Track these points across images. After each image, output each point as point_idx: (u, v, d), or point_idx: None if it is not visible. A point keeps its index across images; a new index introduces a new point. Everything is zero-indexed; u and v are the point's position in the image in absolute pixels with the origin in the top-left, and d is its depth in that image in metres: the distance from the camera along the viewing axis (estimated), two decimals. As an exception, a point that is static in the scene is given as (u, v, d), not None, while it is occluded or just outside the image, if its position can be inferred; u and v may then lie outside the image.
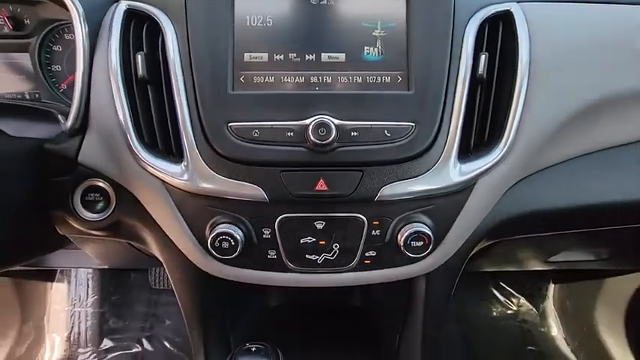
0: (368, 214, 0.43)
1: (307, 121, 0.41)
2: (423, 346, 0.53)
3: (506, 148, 0.43)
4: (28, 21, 0.56)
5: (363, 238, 0.44)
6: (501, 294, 1.36)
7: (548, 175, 0.48)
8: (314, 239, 0.44)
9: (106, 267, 0.71)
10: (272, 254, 0.44)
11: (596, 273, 1.13)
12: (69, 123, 0.46)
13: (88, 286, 1.23)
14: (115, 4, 0.46)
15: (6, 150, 0.43)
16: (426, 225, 0.43)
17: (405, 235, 0.42)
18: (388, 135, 0.41)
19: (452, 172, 0.42)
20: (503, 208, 0.48)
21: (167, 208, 0.44)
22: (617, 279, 1.09)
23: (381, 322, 0.62)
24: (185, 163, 0.42)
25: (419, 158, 0.42)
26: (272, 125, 0.41)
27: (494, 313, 1.33)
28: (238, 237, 0.42)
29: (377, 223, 0.43)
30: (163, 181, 0.43)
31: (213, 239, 0.42)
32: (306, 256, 0.44)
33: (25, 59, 0.58)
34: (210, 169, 0.42)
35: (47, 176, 0.47)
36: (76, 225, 0.48)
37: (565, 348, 1.23)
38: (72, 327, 1.20)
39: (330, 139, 0.40)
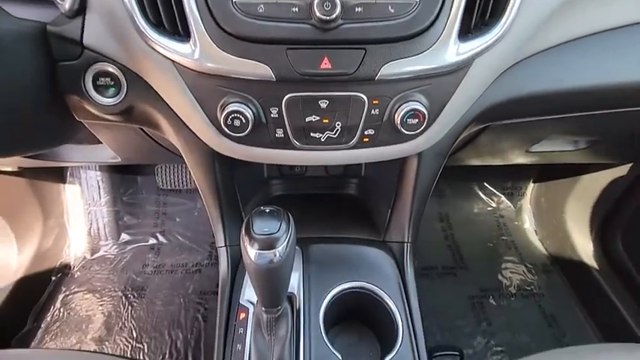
0: (368, 93, 0.46)
1: (312, -4, 0.40)
2: (410, 217, 0.61)
3: (505, 26, 0.44)
4: None
5: (363, 116, 0.47)
6: (484, 193, 1.49)
7: (540, 60, 0.50)
8: (318, 118, 0.47)
9: (118, 160, 0.76)
10: (280, 133, 0.48)
11: (574, 170, 1.22)
12: (67, 4, 0.45)
13: (99, 187, 1.30)
14: None
15: (13, 29, 0.43)
16: (422, 104, 0.46)
17: (402, 113, 0.46)
18: (392, 11, 0.42)
19: (451, 50, 0.44)
20: (495, 91, 0.50)
21: (179, 90, 0.46)
22: (591, 176, 1.19)
23: (375, 205, 0.71)
24: (193, 42, 0.43)
25: (420, 36, 0.43)
26: (277, 1, 0.41)
27: (476, 210, 1.47)
28: (249, 115, 0.45)
29: (376, 102, 0.46)
30: (173, 61, 0.44)
31: (226, 117, 0.45)
32: (311, 134, 0.48)
33: None
34: (218, 48, 0.43)
35: (56, 60, 0.47)
36: (91, 109, 0.51)
37: (534, 237, 1.40)
38: (91, 224, 1.31)
39: (335, 14, 0.40)
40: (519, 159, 0.81)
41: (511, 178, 1.44)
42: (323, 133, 0.49)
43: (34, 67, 0.47)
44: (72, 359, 0.58)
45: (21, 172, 1.08)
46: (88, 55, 0.48)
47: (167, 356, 1.06)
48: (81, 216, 1.31)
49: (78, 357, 0.59)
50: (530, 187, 1.43)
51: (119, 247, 1.31)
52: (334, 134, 0.49)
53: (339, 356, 0.51)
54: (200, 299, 1.18)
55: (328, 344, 0.52)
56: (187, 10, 0.42)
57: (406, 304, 0.56)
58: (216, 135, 0.49)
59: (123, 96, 0.50)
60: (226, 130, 0.46)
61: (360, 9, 0.41)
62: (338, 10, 0.40)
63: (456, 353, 0.90)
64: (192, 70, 0.44)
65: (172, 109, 0.50)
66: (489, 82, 0.49)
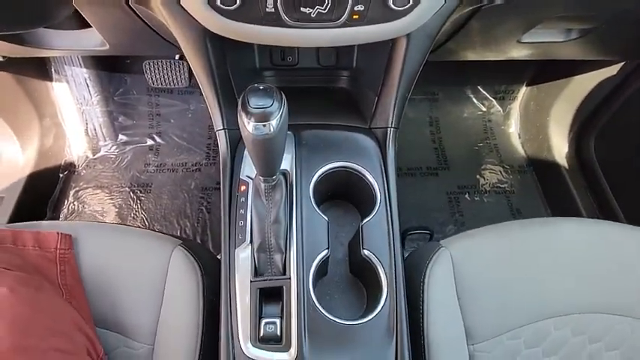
0: (359, -38, 0.45)
1: None
2: (395, 103, 0.64)
3: None
4: None
5: (353, -11, 0.47)
6: (476, 97, 1.50)
7: None
8: (308, -10, 0.47)
9: (107, 47, 0.74)
10: (269, 6, 0.48)
11: (566, 71, 1.22)
12: None
13: (88, 86, 1.29)
14: None
15: None
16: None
17: (393, -15, 0.46)
18: None
19: None
20: None
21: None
22: (581, 77, 1.20)
23: (364, 95, 0.73)
24: None
25: None
26: None
27: (465, 115, 1.51)
28: (239, -14, 0.45)
29: None
30: None
31: (214, -13, 0.45)
32: (301, 8, 0.48)
33: None
34: None
35: None
36: None
37: (516, 141, 1.46)
38: (87, 124, 1.33)
39: None
40: (511, 51, 0.81)
41: (505, 81, 1.44)
42: (313, 8, 0.49)
43: None
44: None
45: (4, 66, 1.05)
46: None
47: (178, 239, 1.19)
48: (75, 116, 1.32)
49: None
50: (523, 91, 1.45)
51: (119, 148, 1.35)
52: (324, 9, 0.49)
53: (326, 218, 0.60)
54: (203, 194, 1.28)
55: (316, 208, 0.60)
56: None
57: (384, 178, 0.63)
58: (205, 9, 0.49)
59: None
60: (216, 1, 0.46)
61: None
62: None
63: (427, 232, 1.04)
64: None
65: None
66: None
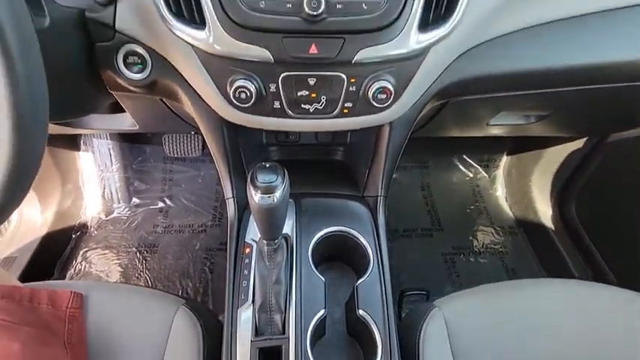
0: (347, 73, 0.58)
1: (302, -5, 0.52)
2: (383, 175, 0.75)
3: (455, 22, 0.55)
4: None
5: (343, 92, 0.59)
6: (463, 165, 1.63)
7: (487, 47, 0.62)
8: (307, 92, 0.59)
9: (137, 128, 0.87)
10: (277, 104, 0.61)
11: (540, 144, 1.36)
12: None
13: (110, 155, 1.42)
14: None
15: (59, 16, 0.54)
16: (390, 82, 0.58)
17: (373, 89, 0.58)
18: (365, 8, 0.53)
19: (412, 40, 0.55)
20: (450, 73, 0.63)
21: (196, 68, 0.58)
22: (553, 149, 1.33)
23: (356, 167, 0.84)
24: (208, 30, 0.54)
25: (388, 28, 0.54)
26: None
27: (455, 180, 1.62)
28: (252, 89, 0.57)
29: (354, 80, 0.58)
30: (192, 45, 0.56)
31: (234, 91, 0.57)
32: (302, 105, 0.61)
33: None
34: (228, 35, 0.54)
35: (93, 41, 0.59)
36: (121, 82, 0.62)
37: (504, 203, 1.56)
38: (104, 188, 1.44)
39: (320, 10, 0.51)
40: (485, 131, 0.94)
41: (487, 152, 1.58)
42: (311, 105, 0.61)
43: (77, 47, 0.58)
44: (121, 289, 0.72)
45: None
46: (119, 37, 0.59)
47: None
48: (95, 181, 1.43)
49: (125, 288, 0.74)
50: (504, 160, 1.58)
51: (131, 210, 1.44)
52: (320, 106, 0.61)
53: (323, 279, 0.66)
54: (206, 255, 1.34)
55: (314, 270, 0.67)
56: (203, 3, 0.53)
57: (376, 242, 0.70)
58: (225, 105, 0.61)
59: (148, 72, 0.61)
60: (234, 101, 0.59)
61: (340, 6, 0.53)
62: (322, 7, 0.51)
63: (424, 292, 1.08)
64: (207, 52, 0.56)
65: (190, 84, 0.62)
66: (445, 65, 0.61)
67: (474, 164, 1.61)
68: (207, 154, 1.45)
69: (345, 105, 0.61)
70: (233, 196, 0.75)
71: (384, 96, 0.59)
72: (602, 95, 0.74)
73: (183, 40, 0.56)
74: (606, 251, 1.16)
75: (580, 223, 1.23)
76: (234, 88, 0.57)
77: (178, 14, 0.55)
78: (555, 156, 1.32)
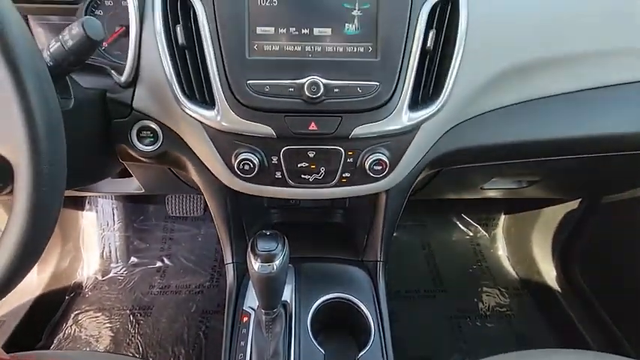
0: (345, 147, 0.62)
1: (303, 81, 0.57)
2: (382, 241, 0.76)
3: (442, 102, 0.61)
4: (74, -11, 0.68)
5: (341, 163, 0.63)
6: (462, 224, 1.64)
7: (476, 122, 0.67)
8: (307, 164, 0.63)
9: (142, 191, 0.91)
10: (278, 175, 0.64)
11: (536, 203, 1.39)
12: (123, 78, 0.62)
13: (113, 215, 1.44)
14: None
15: (82, 97, 0.59)
16: (384, 155, 0.62)
17: (369, 161, 0.62)
18: (360, 91, 0.59)
19: (403, 118, 0.60)
20: (441, 145, 0.67)
21: (204, 142, 0.62)
22: (550, 209, 1.35)
23: (355, 231, 0.86)
24: (217, 110, 0.59)
25: (381, 108, 0.59)
26: (278, 83, 0.58)
27: (455, 239, 1.62)
28: (255, 162, 0.61)
29: (351, 153, 0.62)
30: (201, 122, 0.61)
31: (239, 163, 0.61)
32: (302, 175, 0.64)
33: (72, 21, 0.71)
34: (235, 115, 0.59)
35: (111, 118, 0.64)
36: (133, 154, 0.66)
37: (507, 263, 1.54)
38: (103, 247, 1.44)
39: (319, 94, 0.57)
40: (480, 194, 0.97)
41: (485, 211, 1.60)
42: (311, 175, 0.64)
43: (96, 124, 0.63)
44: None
45: None
46: (135, 114, 0.64)
47: (171, 370, 1.15)
48: (95, 240, 1.43)
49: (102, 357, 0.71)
50: (502, 218, 1.59)
51: (128, 270, 1.43)
52: (320, 176, 0.64)
53: (322, 351, 0.64)
54: (202, 318, 1.29)
55: (314, 341, 0.65)
56: (214, 87, 0.59)
57: (377, 309, 0.69)
58: (229, 175, 0.64)
59: (159, 145, 0.66)
60: (238, 172, 0.62)
61: (337, 89, 0.58)
62: (322, 90, 0.57)
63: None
64: (214, 128, 0.61)
65: (197, 156, 0.66)
66: (436, 138, 0.66)
67: (473, 223, 1.62)
68: (208, 213, 1.48)
69: (343, 175, 0.65)
70: (233, 262, 0.76)
71: (379, 167, 0.62)
72: (590, 162, 0.78)
73: (194, 117, 0.61)
74: (618, 317, 1.13)
75: (587, 286, 1.21)
76: (238, 160, 0.61)
77: (191, 96, 0.60)
78: (552, 216, 1.34)
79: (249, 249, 0.57)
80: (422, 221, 1.61)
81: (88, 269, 1.41)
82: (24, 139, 0.34)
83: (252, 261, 0.55)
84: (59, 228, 1.32)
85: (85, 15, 0.69)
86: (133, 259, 1.45)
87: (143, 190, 0.91)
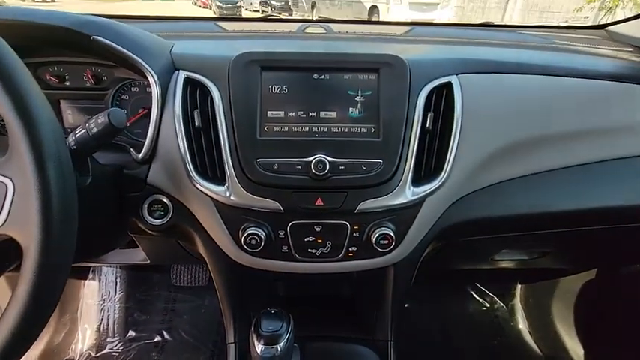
0: (351, 221, 0.63)
1: (310, 159, 0.60)
2: (392, 319, 0.72)
3: (444, 177, 0.63)
4: (105, 78, 0.76)
5: (347, 237, 0.63)
6: (476, 293, 1.56)
7: (478, 196, 0.68)
8: (314, 238, 0.63)
9: (148, 261, 0.90)
10: (285, 249, 0.64)
11: (553, 273, 1.33)
12: (141, 155, 0.66)
13: (116, 284, 1.41)
14: (176, 72, 0.66)
15: (100, 174, 0.62)
16: (390, 229, 0.63)
17: (376, 236, 0.62)
18: (364, 168, 0.61)
19: (407, 193, 0.62)
20: (447, 218, 0.68)
21: (213, 216, 0.64)
22: (568, 279, 1.29)
23: (363, 306, 0.82)
24: (227, 186, 0.62)
25: (385, 184, 0.62)
26: (286, 161, 0.61)
27: (470, 310, 1.53)
28: (262, 236, 0.62)
29: (357, 227, 0.63)
30: (212, 198, 0.63)
31: (246, 237, 0.62)
32: (308, 249, 0.64)
33: (100, 105, 0.78)
34: (244, 191, 0.61)
35: (125, 192, 0.66)
36: (143, 228, 0.68)
37: (529, 338, 1.42)
38: (102, 319, 1.38)
39: (326, 171, 0.59)
40: (491, 264, 0.95)
41: (500, 280, 1.53)
42: (317, 250, 0.64)
43: (110, 198, 0.65)
44: None
45: None
46: (148, 189, 0.67)
47: None
48: (94, 311, 1.38)
49: None
50: (519, 289, 1.51)
51: (125, 344, 1.35)
52: (326, 250, 0.64)
53: None
54: (198, 402, 1.18)
55: None
56: (225, 165, 0.62)
57: None
58: (236, 249, 0.65)
59: (169, 218, 0.68)
60: (245, 246, 0.62)
61: (342, 167, 0.61)
62: (327, 168, 0.60)
63: None
64: (224, 203, 0.63)
65: (205, 229, 0.67)
66: (441, 212, 0.67)
67: (489, 293, 1.54)
68: (213, 284, 1.44)
69: (350, 249, 0.64)
70: (235, 342, 0.72)
71: (385, 241, 0.62)
72: (600, 234, 0.76)
73: (204, 193, 0.63)
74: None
75: None
76: (245, 234, 0.62)
77: (203, 173, 0.63)
78: (570, 286, 1.27)
79: (252, 329, 0.55)
80: (435, 291, 1.54)
81: (82, 344, 1.34)
82: (37, 226, 0.36)
83: (255, 342, 0.53)
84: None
85: (113, 99, 0.76)
86: (131, 332, 1.38)
87: (149, 261, 0.90)
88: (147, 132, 0.64)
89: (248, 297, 0.77)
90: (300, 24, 1.10)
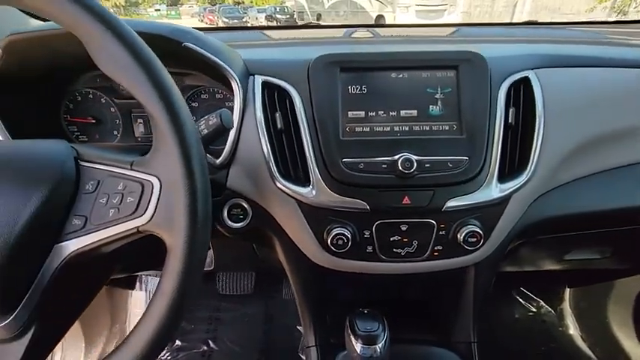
0: (437, 219, 0.62)
1: (395, 158, 0.61)
2: (473, 318, 0.71)
3: (530, 172, 0.62)
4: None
5: (433, 236, 0.63)
6: (522, 298, 1.52)
7: (563, 190, 0.68)
8: (399, 237, 0.63)
9: (212, 268, 0.90)
10: (369, 249, 0.64)
11: (606, 276, 1.29)
12: (219, 160, 0.66)
13: (163, 293, 1.41)
14: (252, 77, 0.67)
15: None
16: (477, 227, 0.62)
17: (463, 234, 0.62)
18: (450, 165, 0.61)
19: (494, 190, 0.62)
20: (530, 215, 0.67)
21: (297, 218, 0.64)
22: (624, 281, 1.26)
23: (434, 307, 0.81)
24: (312, 186, 0.62)
25: (471, 181, 0.61)
26: (372, 161, 0.61)
27: (517, 315, 1.49)
28: (349, 236, 0.62)
29: (443, 225, 0.63)
30: (296, 199, 0.63)
31: (332, 238, 0.61)
32: (394, 249, 0.64)
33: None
34: (330, 191, 0.61)
35: None
36: (222, 230, 0.68)
37: (582, 344, 1.38)
38: (149, 329, 1.38)
39: (413, 169, 0.59)
40: (554, 266, 0.93)
41: (547, 283, 1.50)
42: (403, 249, 0.64)
43: None
44: None
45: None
46: (227, 193, 0.67)
47: None
48: (142, 321, 1.39)
49: None
50: (567, 292, 1.47)
51: (172, 354, 1.34)
52: (412, 250, 0.64)
53: None
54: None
55: None
56: (309, 166, 0.62)
57: None
58: (320, 252, 0.64)
59: (248, 222, 0.68)
60: (331, 247, 0.62)
61: (428, 165, 0.61)
62: (415, 166, 0.60)
63: None
64: (309, 205, 0.63)
65: (286, 232, 0.67)
66: (525, 208, 0.66)
67: (535, 297, 1.51)
68: (258, 292, 1.43)
69: (435, 248, 0.64)
70: (316, 345, 0.71)
71: (474, 239, 0.62)
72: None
73: (289, 194, 0.63)
74: None
75: None
76: (332, 235, 0.61)
77: (286, 175, 0.64)
78: (627, 287, 1.23)
79: (347, 329, 0.54)
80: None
81: (131, 354, 1.34)
82: (185, 223, 0.36)
83: (353, 342, 0.52)
84: (108, 307, 1.30)
85: None
86: (178, 342, 1.38)
87: (212, 267, 0.90)
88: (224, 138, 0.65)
89: (326, 301, 0.76)
90: (345, 29, 1.11)
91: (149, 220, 0.37)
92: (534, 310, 1.49)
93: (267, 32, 1.09)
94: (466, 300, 0.72)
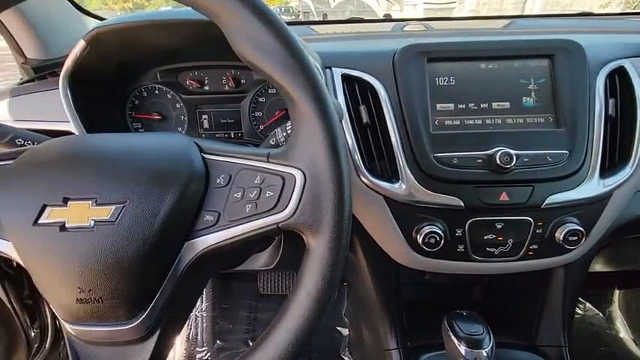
0: (535, 217, 0.59)
1: (491, 152, 0.57)
2: (564, 320, 0.67)
3: (634, 167, 0.59)
4: (244, 81, 0.75)
5: (530, 235, 0.60)
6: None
7: None
8: (494, 236, 0.60)
9: (269, 267, 0.88)
10: (460, 248, 0.61)
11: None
12: None
13: (203, 294, 1.40)
14: (328, 70, 0.65)
15: None
16: (577, 225, 0.59)
17: (563, 232, 0.58)
18: (550, 160, 0.58)
19: (597, 185, 0.58)
20: (624, 213, 0.63)
21: (384, 215, 0.61)
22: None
23: (513, 308, 0.77)
24: (402, 182, 0.59)
25: (572, 176, 0.58)
26: (466, 155, 0.58)
27: (563, 318, 1.45)
28: (442, 234, 0.59)
29: (540, 223, 0.59)
30: (384, 195, 0.60)
31: (424, 237, 0.58)
32: (487, 248, 0.60)
33: (236, 109, 0.77)
34: (421, 186, 0.59)
35: None
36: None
37: (635, 348, 1.33)
38: (190, 329, 1.37)
39: (512, 164, 0.56)
40: (607, 267, 0.89)
41: (593, 285, 1.45)
42: (497, 248, 0.61)
43: None
44: None
45: None
46: None
47: None
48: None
49: None
50: (617, 294, 1.43)
51: (212, 355, 1.32)
52: (506, 249, 0.60)
53: None
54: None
55: None
56: (398, 161, 0.59)
57: None
58: (407, 251, 0.62)
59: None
60: (423, 246, 0.59)
61: (527, 159, 0.58)
62: (514, 161, 0.56)
63: None
64: (399, 201, 0.60)
65: (367, 232, 0.64)
66: (623, 206, 0.62)
67: (582, 300, 1.46)
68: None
69: (530, 247, 0.61)
70: (398, 347, 0.68)
71: (575, 238, 0.58)
72: None
73: (376, 191, 0.60)
74: None
75: None
76: (424, 234, 0.59)
77: (373, 170, 0.61)
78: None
79: (448, 331, 0.51)
80: None
81: (174, 353, 1.32)
82: (334, 220, 0.34)
83: (456, 343, 0.49)
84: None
85: (251, 102, 0.75)
86: (219, 342, 1.36)
87: (272, 266, 0.88)
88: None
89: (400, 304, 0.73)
90: (394, 23, 1.08)
91: (291, 216, 0.34)
92: (581, 313, 1.45)
93: (316, 27, 1.07)
94: (554, 302, 0.68)
